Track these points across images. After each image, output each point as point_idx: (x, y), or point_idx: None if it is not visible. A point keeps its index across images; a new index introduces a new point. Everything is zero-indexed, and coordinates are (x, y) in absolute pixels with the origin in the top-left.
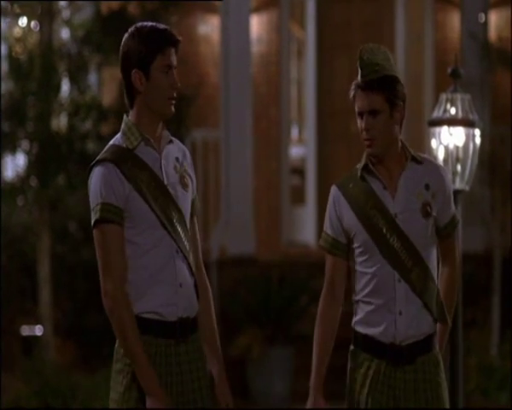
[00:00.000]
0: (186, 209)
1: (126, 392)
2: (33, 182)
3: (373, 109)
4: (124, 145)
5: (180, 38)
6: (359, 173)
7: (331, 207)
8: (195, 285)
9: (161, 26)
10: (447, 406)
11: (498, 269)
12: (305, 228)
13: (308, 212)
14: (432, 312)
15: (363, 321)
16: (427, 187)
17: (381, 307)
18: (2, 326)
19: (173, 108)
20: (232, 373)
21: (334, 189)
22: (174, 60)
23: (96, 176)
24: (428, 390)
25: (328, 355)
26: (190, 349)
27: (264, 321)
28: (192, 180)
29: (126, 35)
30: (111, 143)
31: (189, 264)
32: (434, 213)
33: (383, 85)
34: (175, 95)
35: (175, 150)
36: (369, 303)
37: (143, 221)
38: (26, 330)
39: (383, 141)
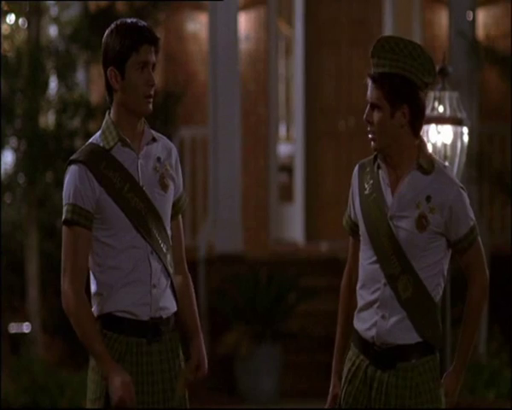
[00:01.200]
0: (164, 210)
1: (98, 389)
2: (21, 179)
3: (373, 103)
4: (101, 145)
5: (159, 36)
6: (374, 161)
7: (351, 186)
8: (172, 286)
9: (141, 23)
10: None
11: (487, 267)
12: (293, 226)
13: (296, 209)
14: (417, 328)
15: (357, 314)
16: (428, 199)
17: (368, 304)
18: None
19: (150, 106)
20: (220, 371)
21: (356, 168)
22: (151, 57)
23: (68, 175)
24: (407, 398)
25: (345, 336)
26: (163, 349)
27: (252, 319)
28: (175, 180)
29: (107, 31)
30: (89, 141)
31: (164, 266)
32: (434, 228)
33: (383, 82)
34: (151, 92)
35: (158, 149)
36: (361, 297)
37: (115, 224)
38: (13, 328)
39: (382, 139)
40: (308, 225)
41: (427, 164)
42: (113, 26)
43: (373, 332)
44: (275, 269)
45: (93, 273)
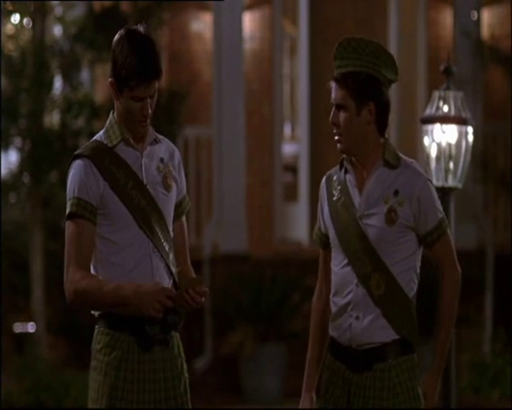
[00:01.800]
0: (167, 210)
1: (100, 388)
2: (26, 179)
3: (338, 103)
4: (104, 142)
5: (159, 71)
6: (341, 167)
7: (319, 199)
8: (175, 285)
9: (146, 53)
10: None
11: (491, 266)
12: (297, 225)
13: (301, 209)
14: (393, 324)
15: (331, 322)
16: (396, 193)
17: (342, 309)
18: None
19: (145, 128)
20: (224, 370)
21: (323, 180)
22: (148, 92)
23: (73, 170)
24: (385, 399)
25: (317, 351)
26: (165, 347)
27: (257, 318)
28: (178, 181)
29: (117, 36)
30: (94, 138)
31: (167, 264)
32: (404, 221)
33: (347, 81)
34: (146, 119)
35: (161, 150)
36: (334, 304)
37: (119, 220)
38: (18, 328)
39: (349, 139)
40: (313, 225)
41: (393, 159)
42: (123, 33)
43: (348, 335)
44: (279, 269)
45: (96, 270)
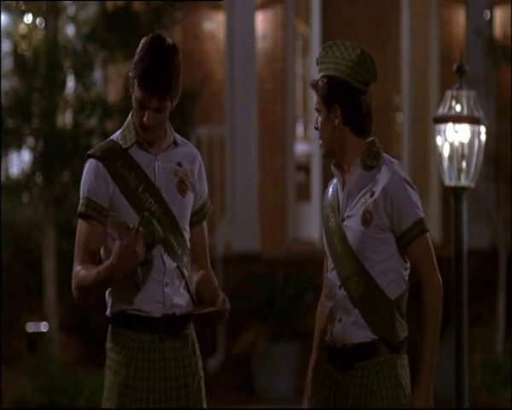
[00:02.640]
0: (181, 214)
1: (111, 387)
2: (38, 178)
3: (316, 108)
4: (120, 142)
5: (166, 90)
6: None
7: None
8: (187, 287)
9: (158, 68)
10: None
11: (504, 265)
12: (310, 225)
13: (313, 209)
14: (371, 325)
15: (327, 327)
16: (372, 194)
17: (330, 312)
18: (8, 323)
19: (148, 135)
20: (237, 370)
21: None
22: (150, 103)
23: (86, 170)
24: (363, 397)
25: (316, 355)
26: (178, 346)
27: (269, 318)
28: (196, 186)
29: (143, 40)
30: (110, 137)
31: (178, 267)
32: (378, 221)
33: (317, 86)
34: (148, 129)
35: (179, 154)
36: (326, 308)
37: (129, 222)
38: (31, 327)
39: (324, 142)
40: None
41: (370, 160)
42: (150, 36)
43: (332, 336)
44: (292, 268)
45: None
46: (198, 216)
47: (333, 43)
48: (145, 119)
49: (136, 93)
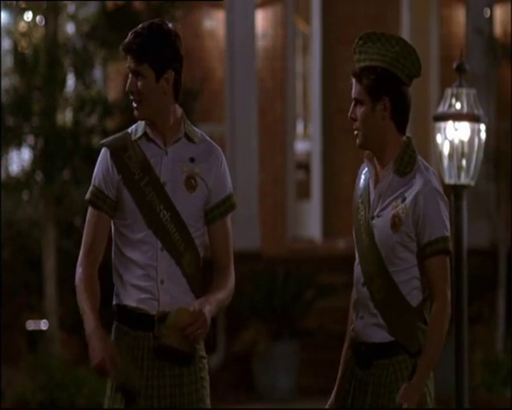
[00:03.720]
0: (188, 210)
1: (111, 385)
2: (39, 177)
3: (356, 98)
4: (131, 134)
5: (134, 47)
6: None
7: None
8: (190, 285)
9: (138, 31)
10: None
11: (504, 264)
12: (310, 223)
13: (313, 207)
14: (389, 329)
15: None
16: (403, 199)
17: (353, 305)
18: (8, 321)
19: (135, 112)
20: (237, 368)
21: (360, 170)
22: (129, 63)
23: (99, 159)
24: (381, 395)
25: (346, 350)
26: None
27: (270, 316)
28: (209, 183)
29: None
30: (128, 128)
31: (178, 263)
32: (405, 229)
33: (363, 76)
34: (133, 99)
35: (194, 150)
36: (352, 298)
37: (130, 215)
38: (31, 325)
39: (366, 134)
40: (325, 223)
41: (404, 165)
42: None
43: (354, 331)
44: (292, 266)
45: (113, 262)
46: (218, 211)
47: (372, 33)
48: (128, 85)
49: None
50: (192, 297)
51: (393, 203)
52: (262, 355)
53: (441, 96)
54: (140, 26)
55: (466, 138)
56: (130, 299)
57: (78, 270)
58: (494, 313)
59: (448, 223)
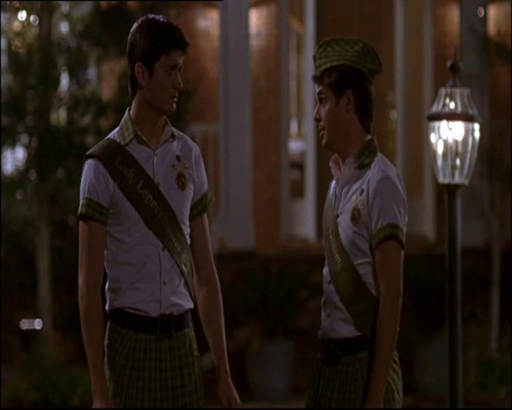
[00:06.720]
0: (180, 209)
1: (108, 383)
2: (32, 176)
3: (319, 98)
4: (117, 140)
5: (189, 42)
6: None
7: None
8: (187, 285)
9: (173, 24)
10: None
11: (497, 263)
12: (304, 222)
13: (307, 206)
14: (356, 322)
15: None
16: (361, 191)
17: (321, 307)
18: (2, 320)
19: (175, 106)
20: (231, 367)
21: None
22: (180, 60)
23: (85, 170)
24: (347, 392)
25: None
26: (175, 346)
27: (264, 315)
28: (195, 179)
29: (136, 24)
30: (108, 136)
31: (177, 263)
32: (364, 220)
33: (323, 76)
34: (177, 94)
35: (177, 148)
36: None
37: (128, 219)
38: (25, 324)
39: (331, 130)
40: (319, 222)
41: (364, 158)
42: (143, 19)
43: (321, 330)
44: (286, 265)
45: (107, 268)
46: (198, 209)
47: (331, 40)
48: (176, 82)
49: (164, 61)
50: (188, 297)
51: (353, 197)
52: (256, 354)
53: (435, 96)
54: (169, 20)
55: (460, 138)
56: (131, 302)
57: (82, 289)
58: (488, 311)
59: (401, 216)
